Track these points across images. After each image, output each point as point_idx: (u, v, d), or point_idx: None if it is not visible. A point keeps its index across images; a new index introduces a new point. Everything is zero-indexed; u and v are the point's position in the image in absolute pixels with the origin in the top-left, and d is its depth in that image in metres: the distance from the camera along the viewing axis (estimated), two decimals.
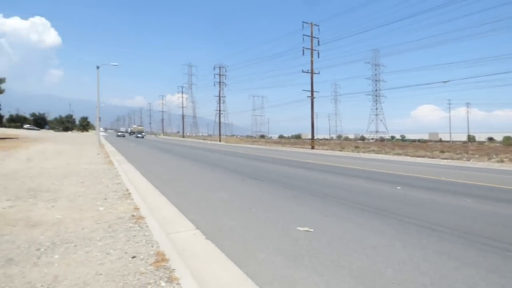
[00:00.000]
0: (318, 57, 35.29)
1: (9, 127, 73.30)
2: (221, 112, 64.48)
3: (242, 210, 6.05)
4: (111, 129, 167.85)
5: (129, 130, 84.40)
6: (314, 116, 34.31)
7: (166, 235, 4.30)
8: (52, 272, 2.96)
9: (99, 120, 28.20)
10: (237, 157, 20.57)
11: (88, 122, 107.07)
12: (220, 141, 59.86)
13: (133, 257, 3.39)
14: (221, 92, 63.74)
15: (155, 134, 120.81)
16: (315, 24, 34.71)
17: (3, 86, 30.00)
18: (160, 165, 14.89)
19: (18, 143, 24.42)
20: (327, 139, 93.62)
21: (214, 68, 63.38)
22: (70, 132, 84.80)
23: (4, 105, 33.33)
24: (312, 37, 34.46)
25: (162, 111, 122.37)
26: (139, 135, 69.11)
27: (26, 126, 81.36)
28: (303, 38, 34.66)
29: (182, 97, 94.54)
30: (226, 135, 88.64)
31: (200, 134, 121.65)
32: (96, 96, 26.95)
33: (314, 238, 4.44)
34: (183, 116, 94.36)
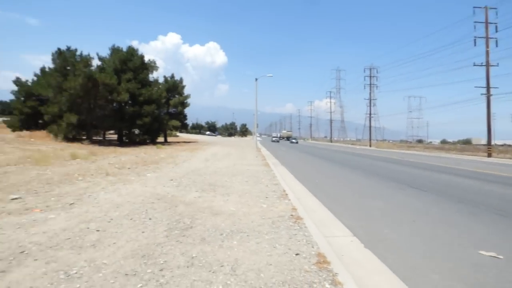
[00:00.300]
0: (497, 46, 28.46)
1: (191, 133, 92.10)
2: (371, 115, 60.94)
3: (404, 222, 5.52)
4: (264, 134, 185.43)
5: (278, 135, 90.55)
6: (491, 117, 27.81)
7: (324, 237, 4.40)
8: (233, 255, 3.52)
9: (257, 126, 31.57)
10: (391, 163, 18.93)
11: (247, 128, 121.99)
12: (370, 146, 56.62)
13: (297, 254, 3.63)
14: (371, 95, 60.34)
15: (303, 139, 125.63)
16: (490, 8, 28.20)
17: (188, 101, 37.99)
18: (311, 168, 15.36)
19: (198, 146, 30.26)
20: (509, 146, 73.54)
21: (364, 70, 60.69)
22: (233, 137, 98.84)
23: (188, 116, 42.00)
24: (487, 23, 28.13)
25: (311, 117, 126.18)
26: (293, 141, 68.39)
27: (207, 132, 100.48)
28: (474, 26, 28.76)
29: (330, 102, 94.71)
30: (377, 140, 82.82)
31: (348, 139, 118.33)
32: (253, 105, 30.43)
33: (505, 267, 3.58)
34: (331, 121, 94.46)
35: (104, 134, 29.73)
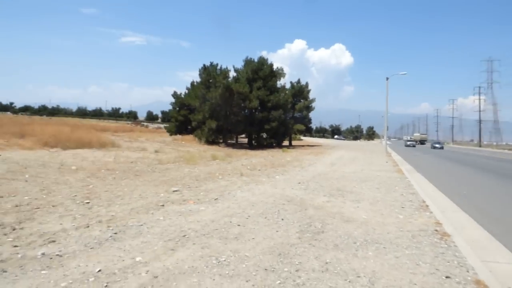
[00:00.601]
0: None
1: (315, 136, 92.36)
2: None
3: None
4: (394, 138, 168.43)
5: (409, 138, 79.63)
6: None
7: (482, 262, 3.67)
8: (370, 267, 3.33)
9: (387, 129, 29.15)
10: None
11: (374, 131, 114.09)
12: None
13: (447, 277, 3.15)
14: None
15: (444, 143, 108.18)
16: None
17: (313, 105, 38.30)
18: (455, 177, 13.15)
19: (322, 150, 30.09)
20: None
21: None
22: (358, 140, 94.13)
23: (312, 119, 42.29)
24: None
25: (452, 117, 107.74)
26: (437, 145, 52.74)
27: (335, 136, 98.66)
28: None
29: (479, 99, 78.87)
30: None
31: (504, 143, 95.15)
32: (381, 106, 28.20)
33: None
34: (479, 122, 78.55)
35: (236, 138, 33.05)
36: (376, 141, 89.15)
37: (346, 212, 5.74)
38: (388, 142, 43.41)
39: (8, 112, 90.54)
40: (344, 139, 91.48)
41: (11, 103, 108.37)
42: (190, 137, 29.57)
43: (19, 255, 3.27)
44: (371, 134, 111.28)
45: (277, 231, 4.43)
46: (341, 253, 3.70)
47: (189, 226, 4.52)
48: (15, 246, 3.49)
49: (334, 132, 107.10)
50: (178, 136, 31.93)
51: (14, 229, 4.02)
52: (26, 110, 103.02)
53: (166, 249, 3.61)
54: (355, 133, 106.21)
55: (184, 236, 4.08)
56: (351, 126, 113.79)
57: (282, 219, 5.06)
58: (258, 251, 3.67)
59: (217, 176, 9.69)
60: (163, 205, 5.67)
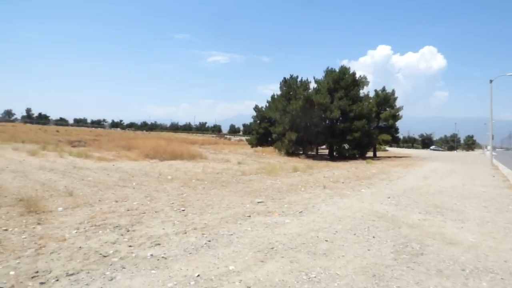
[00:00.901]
0: None
1: (402, 147, 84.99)
2: None
3: None
4: (501, 148, 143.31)
5: None
6: None
7: None
8: None
9: (492, 138, 25.23)
10: None
11: (474, 140, 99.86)
12: None
13: None
14: None
15: None
16: None
17: (400, 113, 35.43)
18: None
19: (412, 162, 27.48)
20: None
21: None
22: (455, 151, 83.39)
23: (400, 129, 38.88)
24: None
25: None
26: None
27: (432, 147, 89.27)
28: None
29: None
30: None
31: None
32: (483, 112, 24.55)
33: None
34: None
35: (317, 149, 32.48)
36: (476, 152, 77.76)
37: (447, 233, 5.10)
38: (493, 153, 36.81)
39: (118, 128, 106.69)
40: (441, 150, 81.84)
41: (121, 120, 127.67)
42: (270, 149, 30.18)
43: (133, 254, 3.76)
44: (470, 144, 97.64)
45: (368, 250, 4.17)
46: (447, 280, 3.28)
47: (276, 238, 4.57)
48: (130, 246, 4.03)
49: (425, 142, 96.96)
50: (259, 148, 32.88)
51: (128, 231, 4.65)
52: (132, 126, 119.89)
53: (256, 260, 3.71)
54: (450, 143, 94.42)
55: (272, 248, 4.14)
56: (445, 135, 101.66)
57: (373, 237, 4.75)
58: (350, 270, 3.50)
59: (300, 188, 9.64)
60: (249, 216, 5.87)
